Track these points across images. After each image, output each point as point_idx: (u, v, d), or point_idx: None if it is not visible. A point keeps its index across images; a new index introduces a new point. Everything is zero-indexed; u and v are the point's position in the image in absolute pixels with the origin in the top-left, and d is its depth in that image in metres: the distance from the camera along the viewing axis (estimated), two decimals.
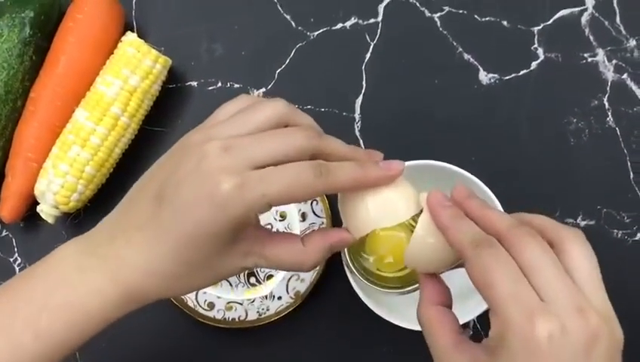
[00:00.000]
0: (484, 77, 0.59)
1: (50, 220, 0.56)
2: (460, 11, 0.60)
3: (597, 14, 0.59)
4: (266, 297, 0.56)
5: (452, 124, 0.58)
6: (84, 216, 0.59)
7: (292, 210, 0.57)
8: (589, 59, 0.59)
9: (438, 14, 0.60)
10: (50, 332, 0.35)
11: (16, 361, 0.35)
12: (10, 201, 0.56)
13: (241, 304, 0.56)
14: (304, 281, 0.55)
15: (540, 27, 0.59)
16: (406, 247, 0.37)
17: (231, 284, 0.56)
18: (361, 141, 0.59)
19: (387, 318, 0.49)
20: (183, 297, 0.55)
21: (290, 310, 0.55)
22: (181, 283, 0.35)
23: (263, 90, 0.60)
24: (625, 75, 0.58)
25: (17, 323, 0.35)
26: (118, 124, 0.55)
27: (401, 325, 0.49)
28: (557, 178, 0.57)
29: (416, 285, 0.45)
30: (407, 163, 0.49)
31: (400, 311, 0.50)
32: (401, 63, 0.60)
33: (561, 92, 0.58)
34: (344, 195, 0.38)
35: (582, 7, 0.59)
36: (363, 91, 0.59)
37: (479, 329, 0.55)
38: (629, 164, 0.57)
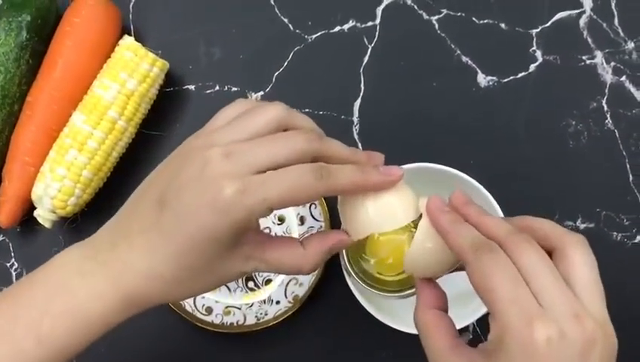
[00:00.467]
0: (483, 79, 0.59)
1: (47, 225, 0.55)
2: (458, 14, 0.60)
3: (595, 17, 0.59)
4: (265, 301, 0.56)
5: (450, 126, 0.58)
6: (82, 220, 0.59)
7: (290, 214, 0.57)
8: (588, 62, 0.59)
9: (436, 17, 0.60)
10: (52, 338, 0.34)
11: None
12: (7, 206, 0.56)
13: (239, 308, 0.56)
14: (303, 285, 0.55)
15: (538, 30, 0.59)
16: (406, 250, 0.37)
17: (229, 289, 0.56)
18: (359, 144, 0.59)
19: (386, 322, 0.49)
20: (181, 302, 0.55)
21: (288, 314, 0.55)
22: (183, 287, 0.35)
23: (261, 93, 0.60)
24: (623, 77, 0.58)
25: (19, 329, 0.35)
26: (115, 127, 0.55)
27: (400, 329, 0.49)
28: (556, 180, 0.57)
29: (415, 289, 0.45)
30: (406, 166, 0.50)
31: (399, 315, 0.50)
32: (399, 66, 0.60)
33: (560, 94, 0.58)
34: (344, 198, 0.38)
35: (580, 10, 0.59)
36: (361, 94, 0.59)
37: (479, 333, 0.55)
38: (628, 166, 0.57)
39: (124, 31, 0.60)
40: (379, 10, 0.61)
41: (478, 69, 0.59)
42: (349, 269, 0.48)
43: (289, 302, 0.55)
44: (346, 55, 0.60)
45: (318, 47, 0.60)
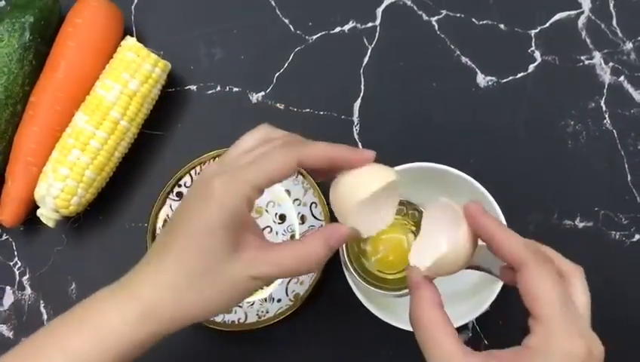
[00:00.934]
0: (482, 80, 0.59)
1: (50, 224, 0.56)
2: (458, 15, 0.60)
3: (593, 17, 0.60)
4: (266, 300, 0.56)
5: (450, 126, 0.59)
6: (85, 220, 0.59)
7: (291, 213, 0.57)
8: (586, 62, 0.59)
9: (436, 18, 0.60)
10: (80, 355, 0.36)
11: None
12: (11, 206, 0.56)
13: (240, 306, 0.56)
14: (303, 284, 0.56)
15: (537, 30, 0.60)
16: (405, 247, 0.37)
17: None
18: (359, 144, 0.59)
19: (387, 320, 0.49)
20: None
21: (289, 313, 0.55)
22: (190, 297, 0.36)
23: (262, 93, 0.60)
24: (622, 78, 0.58)
25: (50, 347, 0.37)
26: (117, 128, 0.55)
27: (400, 327, 0.49)
28: (555, 180, 0.57)
29: None
30: (406, 165, 0.50)
31: (398, 313, 0.50)
32: (399, 67, 0.60)
33: (559, 94, 0.59)
34: (334, 195, 0.38)
35: (578, 10, 0.60)
36: (361, 94, 0.60)
37: (478, 331, 0.55)
38: (626, 165, 0.57)
39: (127, 32, 0.60)
40: (379, 11, 0.61)
41: (477, 70, 0.59)
42: (349, 266, 0.48)
43: (290, 300, 0.55)
44: (347, 56, 0.60)
45: (319, 47, 0.61)
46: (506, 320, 0.55)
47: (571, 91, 0.59)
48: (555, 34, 0.59)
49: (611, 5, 0.60)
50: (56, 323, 0.38)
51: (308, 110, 0.60)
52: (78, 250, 0.59)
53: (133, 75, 0.55)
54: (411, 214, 0.51)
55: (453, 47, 0.60)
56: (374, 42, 0.61)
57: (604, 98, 0.58)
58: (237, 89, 0.61)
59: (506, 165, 0.58)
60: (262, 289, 0.55)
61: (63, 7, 0.60)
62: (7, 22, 0.56)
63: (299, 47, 0.61)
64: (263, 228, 0.57)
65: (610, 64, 0.59)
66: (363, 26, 0.61)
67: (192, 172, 0.57)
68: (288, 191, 0.58)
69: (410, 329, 0.48)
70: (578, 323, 0.33)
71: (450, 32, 0.60)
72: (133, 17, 0.62)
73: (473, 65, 0.59)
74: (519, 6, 0.60)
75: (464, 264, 0.37)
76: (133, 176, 0.59)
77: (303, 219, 0.57)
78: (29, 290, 0.59)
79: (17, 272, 0.59)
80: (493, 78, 0.59)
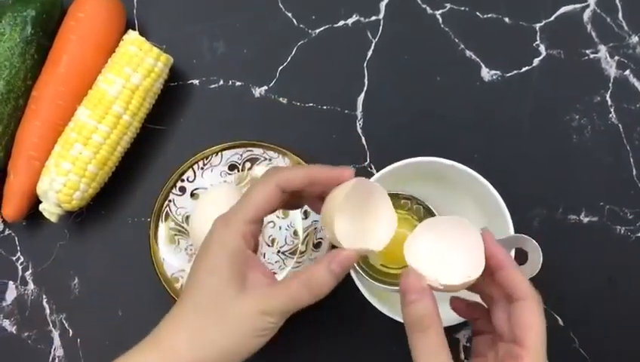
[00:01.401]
0: (486, 74, 0.59)
1: (52, 219, 0.56)
2: (462, 8, 0.60)
3: (599, 10, 0.59)
4: None
5: (454, 120, 0.58)
6: (87, 214, 0.59)
7: None
8: (591, 56, 0.59)
9: (440, 11, 0.60)
10: None
11: None
12: (13, 200, 0.56)
13: None
14: None
15: (541, 24, 0.59)
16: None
17: None
18: (363, 138, 0.59)
19: (390, 315, 0.49)
20: None
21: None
22: (204, 337, 0.38)
23: (265, 88, 0.60)
24: (627, 72, 0.58)
25: None
26: (120, 122, 0.55)
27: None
28: (559, 174, 0.57)
29: None
30: (410, 160, 0.50)
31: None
32: (403, 60, 0.60)
33: (564, 88, 0.58)
34: (323, 217, 0.40)
35: (584, 4, 0.59)
36: (365, 89, 0.59)
37: None
38: (631, 160, 0.57)
39: (129, 25, 0.60)
40: (382, 5, 0.61)
41: (482, 63, 0.59)
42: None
43: None
44: (350, 50, 0.60)
45: (322, 41, 0.60)
46: None
47: (576, 85, 0.58)
48: (561, 27, 0.59)
49: None
50: None
51: (311, 104, 0.59)
52: (81, 245, 0.59)
53: (135, 69, 0.55)
54: (416, 209, 0.50)
55: (457, 40, 0.60)
56: (378, 36, 0.60)
57: (609, 92, 0.58)
58: (240, 83, 0.60)
59: (511, 160, 0.58)
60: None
61: (65, 0, 0.59)
62: (9, 16, 0.56)
63: (302, 41, 0.61)
64: (267, 223, 0.57)
65: (616, 58, 0.58)
66: (367, 20, 0.60)
67: (195, 166, 0.57)
68: None
69: None
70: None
71: (454, 25, 0.60)
72: (135, 11, 0.62)
73: (478, 59, 0.59)
74: None
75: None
76: (135, 171, 0.59)
77: (306, 214, 0.57)
78: (31, 285, 0.59)
79: (20, 267, 0.59)
80: (498, 72, 0.59)
